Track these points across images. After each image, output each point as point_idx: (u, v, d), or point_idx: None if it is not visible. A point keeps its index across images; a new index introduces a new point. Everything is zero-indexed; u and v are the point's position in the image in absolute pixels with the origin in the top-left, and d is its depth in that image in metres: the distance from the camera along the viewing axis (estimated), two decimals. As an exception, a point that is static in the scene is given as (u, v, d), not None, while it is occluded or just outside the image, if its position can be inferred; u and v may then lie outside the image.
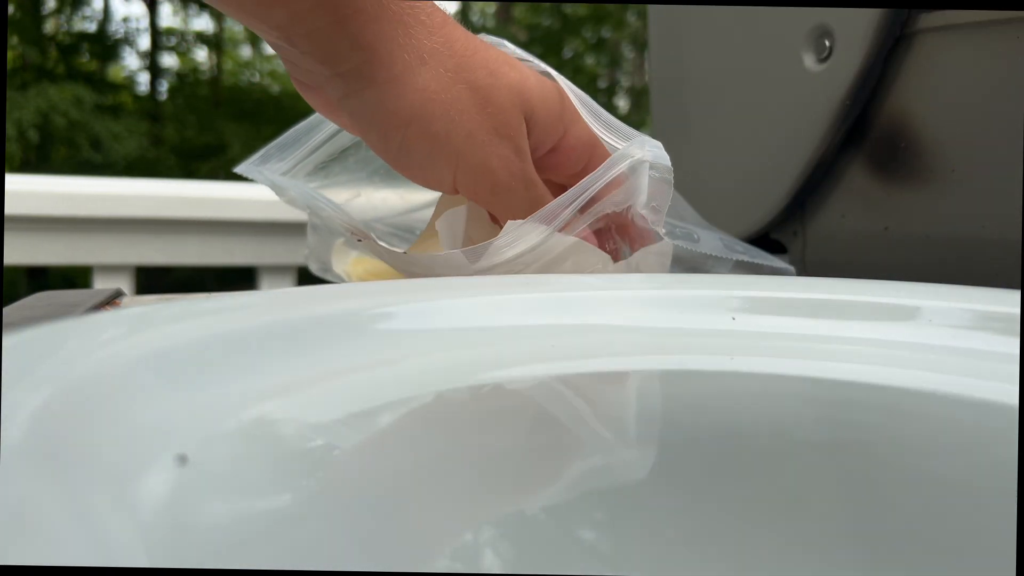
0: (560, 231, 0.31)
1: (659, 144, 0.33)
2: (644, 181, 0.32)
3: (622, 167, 0.31)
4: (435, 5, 0.32)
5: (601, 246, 0.34)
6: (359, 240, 0.33)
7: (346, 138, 0.39)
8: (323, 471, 0.16)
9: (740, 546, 0.14)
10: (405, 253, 0.33)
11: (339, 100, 0.32)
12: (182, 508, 0.14)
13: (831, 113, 0.40)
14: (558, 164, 0.35)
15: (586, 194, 0.31)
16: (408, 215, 0.43)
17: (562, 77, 0.36)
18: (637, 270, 0.33)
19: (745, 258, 0.38)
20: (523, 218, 0.31)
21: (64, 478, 0.13)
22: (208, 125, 6.40)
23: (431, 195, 0.42)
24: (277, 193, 0.37)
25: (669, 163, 0.32)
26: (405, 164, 0.33)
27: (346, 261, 0.39)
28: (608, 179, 0.31)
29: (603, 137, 0.34)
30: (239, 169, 0.38)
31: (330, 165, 0.39)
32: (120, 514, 0.13)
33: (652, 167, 0.31)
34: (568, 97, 0.34)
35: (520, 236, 0.31)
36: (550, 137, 0.34)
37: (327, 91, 0.32)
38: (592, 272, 0.32)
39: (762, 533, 0.14)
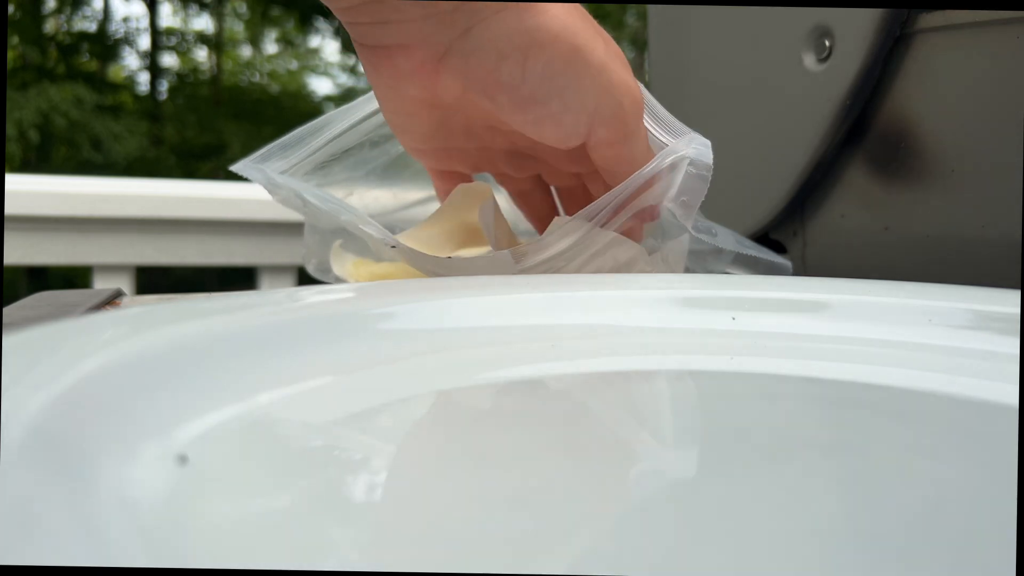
0: (601, 226, 0.32)
1: (707, 143, 0.32)
2: (679, 177, 0.32)
3: (665, 163, 0.32)
4: None
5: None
6: (392, 246, 0.32)
7: (350, 138, 0.39)
8: (323, 471, 0.16)
9: (740, 546, 0.14)
10: (449, 258, 0.32)
11: (454, 43, 0.27)
12: (182, 508, 0.14)
13: (831, 113, 0.40)
14: (601, 157, 0.33)
15: (628, 190, 0.31)
16: (399, 213, 0.43)
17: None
18: (666, 262, 0.34)
19: (752, 252, 0.38)
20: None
21: (64, 478, 0.13)
22: (208, 125, 6.40)
23: (423, 193, 0.42)
24: (270, 191, 0.37)
25: (710, 161, 0.32)
26: (544, 94, 0.29)
27: (345, 263, 0.38)
28: (650, 176, 0.32)
29: (652, 131, 0.33)
30: (236, 167, 0.38)
31: (330, 164, 0.39)
32: (120, 514, 0.13)
33: (691, 163, 0.32)
34: (643, 104, 0.33)
35: (566, 233, 0.31)
36: (615, 132, 0.32)
37: (430, 42, 0.27)
38: (630, 266, 0.33)
39: (762, 533, 0.14)
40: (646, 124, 0.33)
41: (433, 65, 0.28)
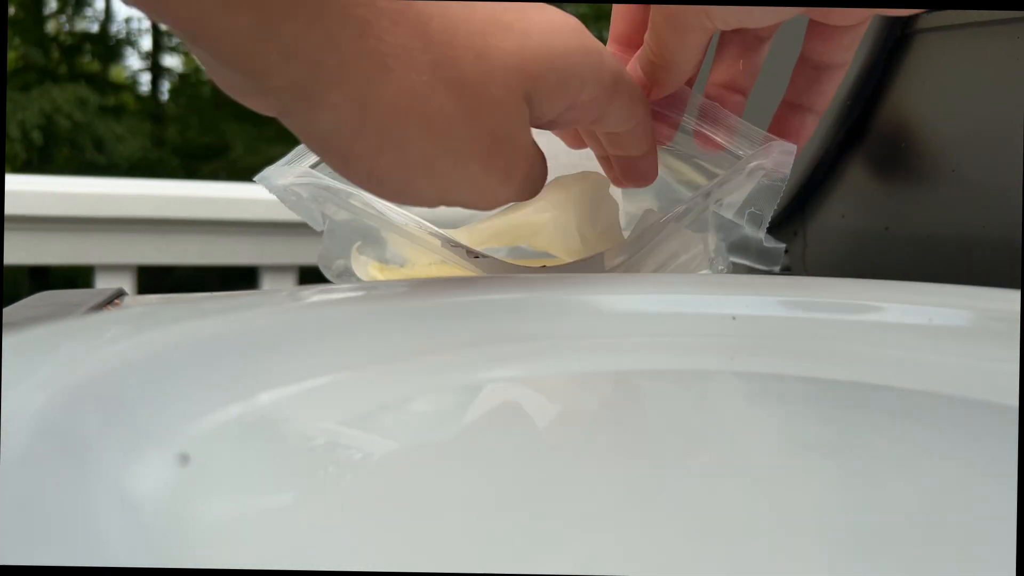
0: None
1: (791, 149, 0.32)
2: (749, 186, 0.32)
3: (743, 173, 0.32)
4: None
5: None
6: (476, 256, 0.32)
7: None
8: (324, 471, 0.17)
9: (740, 546, 0.14)
10: (543, 267, 0.32)
11: (280, 116, 0.25)
12: (183, 507, 0.14)
13: (831, 113, 0.40)
14: (572, 120, 0.30)
15: (707, 191, 0.32)
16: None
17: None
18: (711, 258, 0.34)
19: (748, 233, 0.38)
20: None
21: (65, 478, 0.13)
22: (210, 126, 6.40)
23: None
24: (284, 196, 0.36)
25: (787, 172, 0.32)
26: (376, 190, 0.27)
27: (366, 266, 0.38)
28: (728, 182, 0.32)
29: (728, 147, 0.33)
30: (258, 177, 0.37)
31: None
32: (120, 514, 0.13)
33: (766, 174, 0.32)
34: (591, 39, 0.29)
35: (657, 231, 0.32)
36: (560, 101, 0.28)
37: (258, 104, 0.25)
38: (693, 256, 0.33)
39: (762, 533, 0.14)
40: (719, 140, 0.33)
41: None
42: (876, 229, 0.40)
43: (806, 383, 0.23)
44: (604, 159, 0.35)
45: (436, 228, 0.34)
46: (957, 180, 0.36)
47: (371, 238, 0.36)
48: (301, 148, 0.36)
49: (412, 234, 0.34)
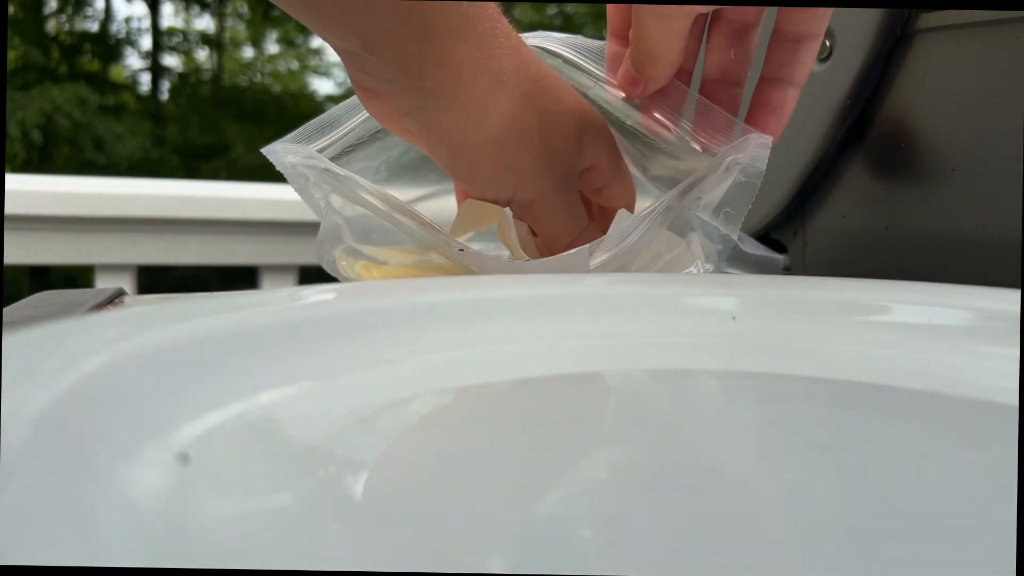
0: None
1: (767, 141, 0.32)
2: (726, 184, 0.32)
3: (722, 166, 0.32)
4: (510, 26, 0.32)
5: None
6: (460, 250, 0.33)
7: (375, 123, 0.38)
8: (323, 471, 0.17)
9: (740, 546, 0.14)
10: (527, 261, 0.33)
11: (412, 111, 0.32)
12: (183, 507, 0.14)
13: (831, 113, 0.40)
14: (588, 180, 0.36)
15: (683, 189, 0.32)
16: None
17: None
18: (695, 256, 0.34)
19: (747, 248, 0.38)
20: (566, 236, 0.34)
21: (65, 478, 0.13)
22: (210, 125, 6.41)
23: (424, 190, 0.42)
24: (294, 175, 0.36)
25: (763, 166, 0.32)
26: (468, 180, 0.33)
27: (353, 265, 0.38)
28: (701, 177, 0.32)
29: (705, 141, 0.34)
30: (266, 150, 0.36)
31: (356, 150, 0.38)
32: (120, 514, 0.13)
33: (742, 170, 0.32)
34: (605, 122, 0.36)
35: (633, 227, 0.32)
36: (589, 159, 0.35)
37: (397, 101, 0.32)
38: (677, 256, 0.33)
39: (762, 533, 0.14)
40: (686, 131, 0.34)
41: (397, 116, 0.33)
42: (876, 229, 0.40)
43: (806, 383, 0.23)
44: None
45: (434, 223, 0.34)
46: (957, 180, 0.36)
47: (364, 230, 0.36)
48: (307, 127, 0.37)
49: (407, 226, 0.34)
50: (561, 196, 0.34)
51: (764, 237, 0.47)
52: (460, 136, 0.32)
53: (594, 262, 0.32)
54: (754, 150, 0.32)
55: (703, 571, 0.13)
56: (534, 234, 0.37)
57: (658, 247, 0.34)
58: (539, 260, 0.33)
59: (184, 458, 0.15)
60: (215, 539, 0.13)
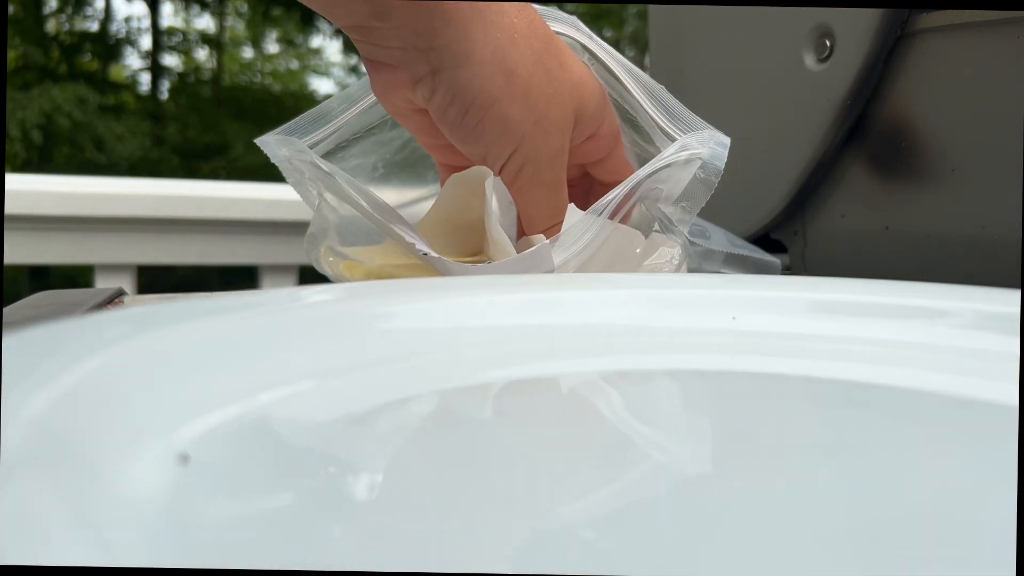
0: (610, 216, 0.33)
1: (726, 141, 0.33)
2: (687, 177, 0.32)
3: (679, 157, 0.32)
4: None
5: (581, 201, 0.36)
6: (425, 254, 0.33)
7: (375, 114, 0.38)
8: (323, 471, 0.17)
9: (740, 545, 0.14)
10: (488, 262, 0.33)
11: (424, 76, 0.32)
12: (183, 507, 0.14)
13: (831, 113, 0.40)
14: (588, 151, 0.37)
15: (636, 181, 0.32)
16: (402, 209, 0.43)
17: (626, 61, 0.37)
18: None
19: (742, 251, 0.38)
20: (545, 216, 0.34)
21: (65, 478, 0.13)
22: (210, 125, 6.41)
23: (425, 190, 0.42)
24: (288, 168, 0.36)
25: (722, 166, 0.32)
26: (473, 140, 0.34)
27: (337, 264, 0.38)
28: (660, 167, 0.32)
29: (665, 127, 0.35)
30: (259, 140, 0.37)
31: (351, 145, 0.38)
32: (120, 514, 0.13)
33: (702, 166, 0.32)
34: (606, 91, 0.36)
35: (586, 226, 0.32)
36: (588, 130, 0.36)
37: (409, 68, 0.32)
38: (631, 253, 0.33)
39: (762, 533, 0.14)
40: (658, 120, 0.35)
41: (410, 85, 0.33)
42: (876, 229, 0.40)
43: (806, 383, 0.23)
44: None
45: (409, 229, 0.34)
46: (957, 180, 0.36)
47: (356, 228, 0.36)
48: (300, 119, 0.37)
49: (386, 227, 0.34)
50: (551, 167, 0.34)
51: (764, 237, 0.47)
52: (469, 94, 0.32)
53: (558, 260, 0.32)
54: (714, 148, 0.32)
55: (702, 571, 0.13)
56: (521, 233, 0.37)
57: (619, 241, 0.33)
58: (501, 261, 0.33)
59: (184, 458, 0.15)
60: (215, 539, 0.13)
